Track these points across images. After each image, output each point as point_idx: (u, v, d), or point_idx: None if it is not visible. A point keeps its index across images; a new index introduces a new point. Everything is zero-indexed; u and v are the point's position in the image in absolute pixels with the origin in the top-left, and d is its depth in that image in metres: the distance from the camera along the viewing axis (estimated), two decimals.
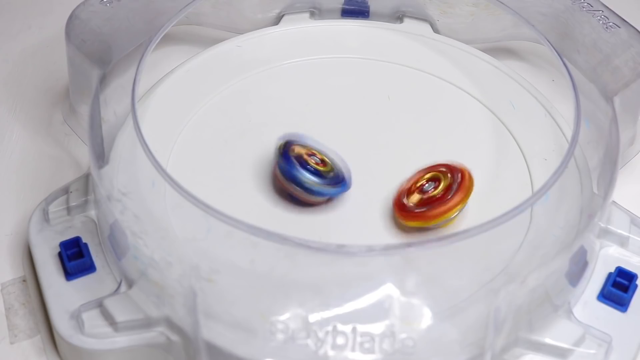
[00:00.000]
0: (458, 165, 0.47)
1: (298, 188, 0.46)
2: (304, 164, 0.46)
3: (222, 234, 0.42)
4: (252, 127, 0.52)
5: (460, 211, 0.46)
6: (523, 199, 0.42)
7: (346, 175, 0.47)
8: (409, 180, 0.48)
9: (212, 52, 0.56)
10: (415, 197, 0.46)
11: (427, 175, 0.47)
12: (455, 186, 0.46)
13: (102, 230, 0.46)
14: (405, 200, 0.46)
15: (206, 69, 0.55)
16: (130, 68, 0.49)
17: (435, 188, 0.47)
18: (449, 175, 0.47)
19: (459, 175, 0.46)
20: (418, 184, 0.47)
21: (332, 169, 0.47)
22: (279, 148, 0.47)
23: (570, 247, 0.42)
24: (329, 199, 0.47)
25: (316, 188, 0.46)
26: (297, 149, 0.47)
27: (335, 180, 0.47)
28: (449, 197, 0.45)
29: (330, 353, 0.40)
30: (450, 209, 0.45)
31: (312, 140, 0.48)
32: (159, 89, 0.53)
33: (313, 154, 0.47)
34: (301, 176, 0.46)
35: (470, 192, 0.46)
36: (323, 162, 0.47)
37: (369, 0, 0.59)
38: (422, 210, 0.46)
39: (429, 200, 0.46)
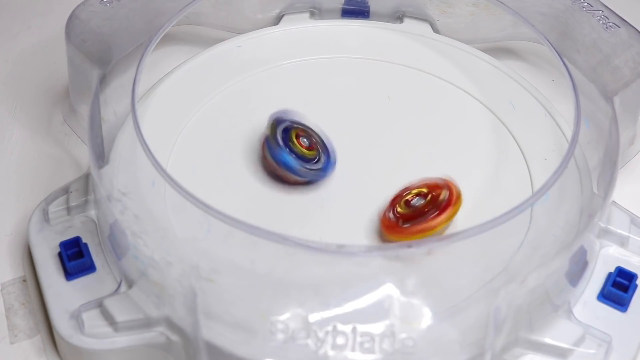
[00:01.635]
0: (447, 182, 0.46)
1: (281, 168, 0.47)
2: (289, 145, 0.47)
3: (222, 234, 0.42)
4: (252, 127, 0.52)
5: (446, 227, 0.45)
6: (523, 199, 0.42)
7: (331, 158, 0.48)
8: (396, 194, 0.47)
9: (212, 52, 0.56)
10: (401, 210, 0.46)
11: (415, 191, 0.47)
12: (442, 203, 0.45)
13: (102, 230, 0.46)
14: (390, 215, 0.46)
15: (206, 69, 0.55)
16: (130, 68, 0.49)
17: (423, 203, 0.46)
18: (437, 190, 0.46)
19: (447, 192, 0.46)
20: (405, 198, 0.46)
21: (317, 152, 0.48)
22: (271, 126, 0.48)
23: (570, 247, 0.42)
24: (309, 182, 0.48)
25: (298, 170, 0.47)
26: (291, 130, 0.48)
27: (320, 163, 0.48)
28: (435, 214, 0.45)
29: (330, 353, 0.40)
30: (434, 227, 0.45)
31: (299, 118, 0.49)
32: (159, 89, 0.53)
33: (303, 135, 0.48)
34: (284, 158, 0.47)
35: (457, 209, 0.45)
36: (310, 145, 0.48)
37: (369, 0, 0.59)
38: (407, 226, 0.45)
39: (415, 214, 0.45)
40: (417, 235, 0.45)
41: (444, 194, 0.45)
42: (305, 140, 0.48)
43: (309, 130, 0.49)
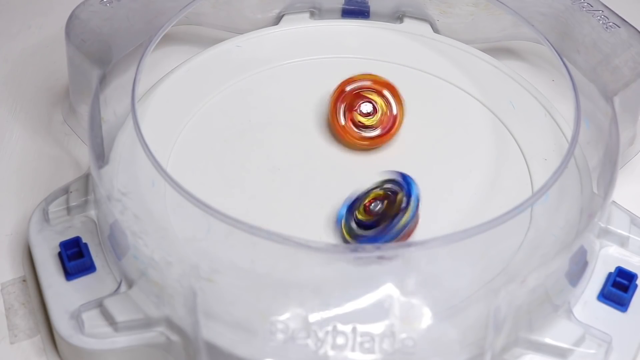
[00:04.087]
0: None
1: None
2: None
3: (222, 234, 0.42)
4: (252, 127, 0.52)
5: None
6: (523, 199, 0.42)
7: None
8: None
9: (212, 52, 0.56)
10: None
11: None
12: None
13: (102, 230, 0.46)
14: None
15: (206, 69, 0.55)
16: (130, 68, 0.49)
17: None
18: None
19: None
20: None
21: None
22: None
23: (570, 247, 0.42)
24: None
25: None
26: None
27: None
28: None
29: (330, 353, 0.40)
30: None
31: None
32: (159, 89, 0.53)
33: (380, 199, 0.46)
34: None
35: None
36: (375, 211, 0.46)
37: (369, 0, 0.59)
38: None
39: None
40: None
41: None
42: (379, 204, 0.46)
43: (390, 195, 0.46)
